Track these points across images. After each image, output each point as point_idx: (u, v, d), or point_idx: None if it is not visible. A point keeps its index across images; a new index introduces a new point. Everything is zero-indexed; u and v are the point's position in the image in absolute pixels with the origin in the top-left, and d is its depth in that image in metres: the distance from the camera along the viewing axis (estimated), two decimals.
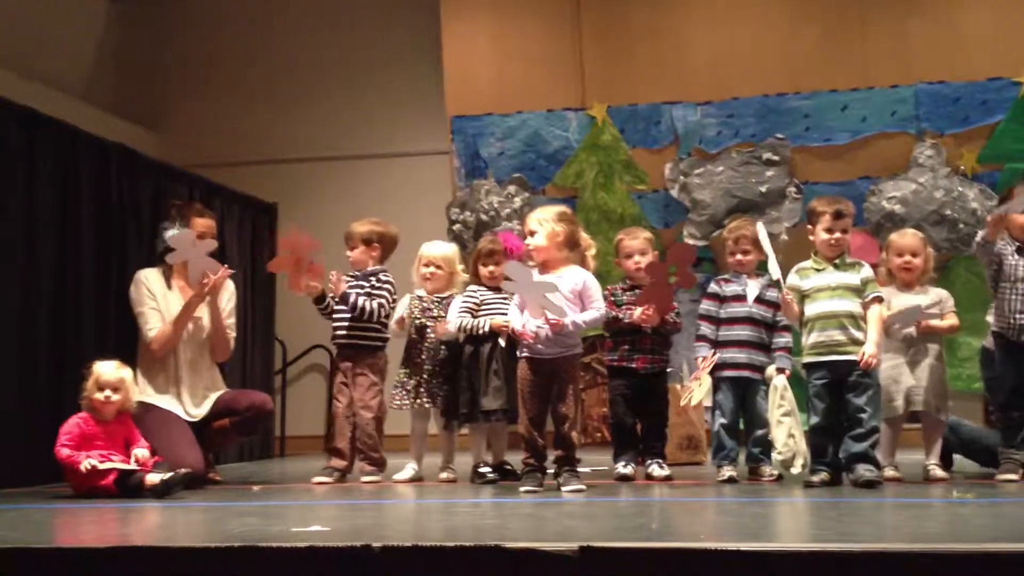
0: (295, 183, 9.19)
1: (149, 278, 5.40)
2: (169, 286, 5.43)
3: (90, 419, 4.66)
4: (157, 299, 5.33)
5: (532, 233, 4.60)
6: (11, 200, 5.40)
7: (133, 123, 9.28)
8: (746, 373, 4.96)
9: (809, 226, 4.73)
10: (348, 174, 9.35)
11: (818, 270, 4.64)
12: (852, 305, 4.54)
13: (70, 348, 5.64)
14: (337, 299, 5.29)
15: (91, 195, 6.00)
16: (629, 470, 5.03)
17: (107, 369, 4.75)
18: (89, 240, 5.94)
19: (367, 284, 5.35)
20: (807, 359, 4.59)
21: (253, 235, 8.03)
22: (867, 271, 4.65)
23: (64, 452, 4.54)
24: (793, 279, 4.67)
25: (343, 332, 5.35)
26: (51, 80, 8.27)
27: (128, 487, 4.45)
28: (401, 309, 5.35)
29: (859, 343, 4.48)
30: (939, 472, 4.79)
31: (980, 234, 4.85)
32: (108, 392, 4.69)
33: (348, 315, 5.30)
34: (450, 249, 5.53)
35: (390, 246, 5.49)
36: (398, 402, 5.30)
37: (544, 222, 4.60)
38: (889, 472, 4.79)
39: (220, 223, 7.54)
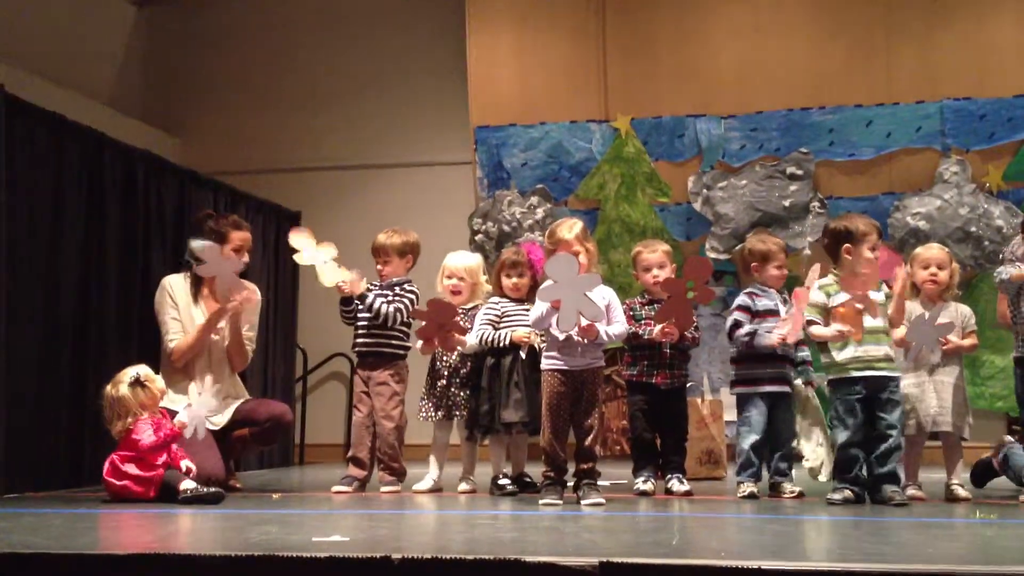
0: (318, 191, 9.22)
1: (174, 286, 5.40)
2: (195, 297, 5.42)
3: (155, 419, 4.71)
4: (180, 309, 5.34)
5: (575, 254, 4.56)
6: (38, 204, 5.44)
7: (159, 130, 9.35)
8: (780, 388, 4.95)
9: (847, 244, 4.64)
10: (371, 183, 9.38)
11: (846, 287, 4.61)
12: (883, 321, 4.57)
13: (93, 352, 5.68)
14: (356, 299, 5.29)
15: (117, 201, 6.05)
16: (649, 486, 5.01)
17: (140, 370, 4.81)
18: (114, 246, 5.98)
19: (391, 294, 5.35)
20: (843, 374, 4.55)
21: (276, 243, 8.06)
22: (884, 288, 4.71)
23: (150, 440, 4.60)
24: (818, 296, 4.63)
25: (364, 340, 5.35)
26: (78, 86, 8.35)
27: (167, 485, 4.52)
28: None
29: (891, 359, 4.56)
30: (962, 492, 4.75)
31: (1006, 273, 4.74)
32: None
33: (369, 323, 5.30)
34: (474, 260, 5.52)
35: (417, 254, 5.51)
36: (424, 413, 5.30)
37: (582, 242, 4.65)
38: (912, 491, 4.76)
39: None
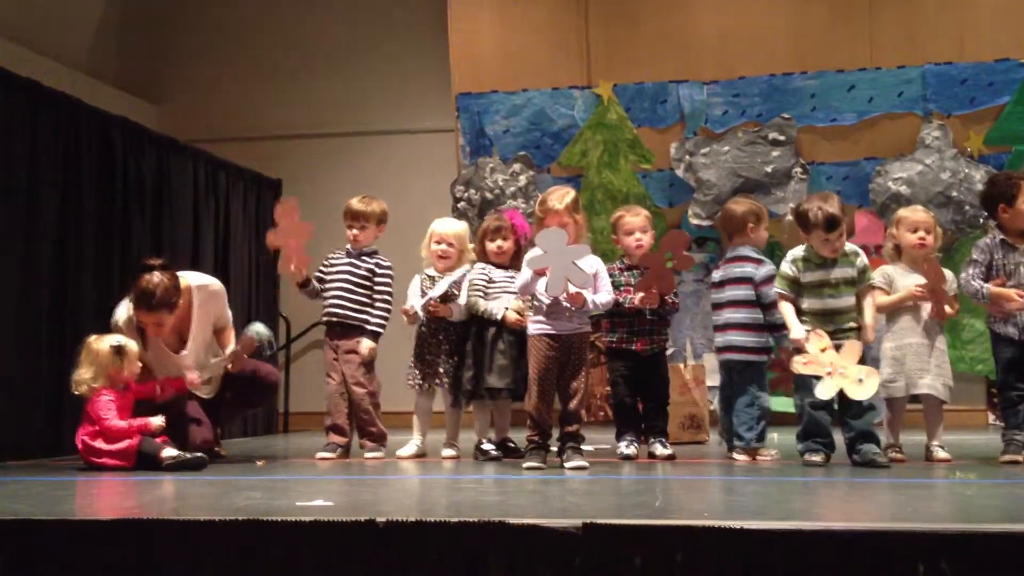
0: (299, 159, 9.16)
1: (124, 328, 4.95)
2: (144, 345, 4.96)
3: (117, 394, 4.68)
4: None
5: (564, 224, 4.55)
6: (14, 173, 5.39)
7: (137, 97, 9.25)
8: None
9: (803, 233, 4.66)
10: (353, 151, 9.32)
11: (818, 264, 4.63)
12: (850, 299, 4.61)
13: (71, 321, 5.65)
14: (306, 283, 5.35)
15: (94, 169, 6.00)
16: (632, 450, 5.02)
17: (127, 341, 4.76)
18: (91, 214, 5.94)
19: (362, 265, 5.35)
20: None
21: (257, 210, 8.03)
22: (863, 259, 4.70)
23: (118, 424, 4.57)
24: (788, 269, 4.66)
25: (332, 311, 5.34)
26: (54, 53, 8.24)
27: (146, 456, 4.49)
28: (414, 293, 5.33)
29: (855, 329, 4.57)
30: (942, 453, 4.79)
31: (982, 292, 4.71)
32: (139, 365, 4.77)
33: (338, 294, 5.30)
34: (461, 227, 5.50)
35: (386, 223, 5.53)
36: (412, 381, 5.30)
37: (572, 213, 4.63)
38: (893, 454, 4.80)
39: (225, 200, 7.58)
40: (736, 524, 2.50)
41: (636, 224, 5.15)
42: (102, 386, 4.65)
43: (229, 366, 5.17)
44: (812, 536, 2.47)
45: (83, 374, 4.68)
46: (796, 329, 4.56)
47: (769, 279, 4.87)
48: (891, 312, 4.92)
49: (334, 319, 5.34)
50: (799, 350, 4.50)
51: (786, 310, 4.62)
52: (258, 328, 5.24)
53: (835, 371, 4.38)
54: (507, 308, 5.05)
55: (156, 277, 4.81)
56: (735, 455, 4.84)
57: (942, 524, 2.54)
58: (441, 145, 8.98)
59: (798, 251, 4.69)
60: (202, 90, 9.58)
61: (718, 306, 5.07)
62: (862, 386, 4.38)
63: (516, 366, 4.97)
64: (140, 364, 4.80)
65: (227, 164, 7.65)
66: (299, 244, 5.25)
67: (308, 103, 9.43)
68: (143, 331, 4.92)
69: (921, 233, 4.92)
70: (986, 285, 4.71)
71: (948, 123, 8.04)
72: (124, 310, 4.98)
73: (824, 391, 4.41)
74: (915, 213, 5.04)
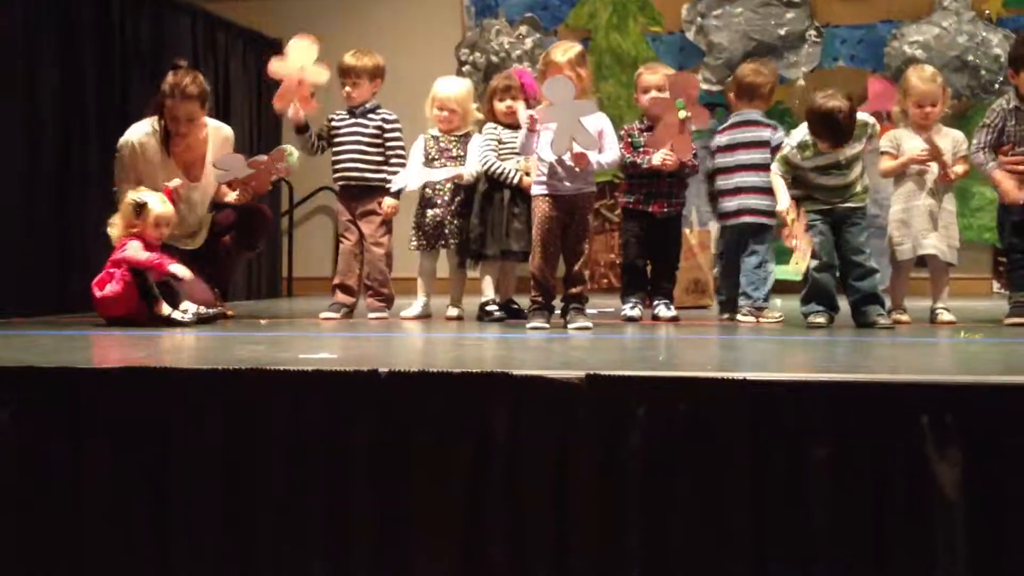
0: (300, 19, 8.87)
1: (144, 147, 5.00)
2: (168, 152, 5.05)
3: (145, 245, 4.59)
4: (145, 173, 4.97)
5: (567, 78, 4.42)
6: (9, 37, 5.27)
7: None
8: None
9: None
10: (353, 10, 9.06)
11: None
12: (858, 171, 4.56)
13: (73, 179, 5.61)
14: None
15: (92, 28, 5.87)
16: (636, 311, 5.02)
17: (162, 207, 4.65)
18: (91, 75, 5.84)
19: (369, 123, 5.24)
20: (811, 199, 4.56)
21: (257, 72, 7.88)
22: (874, 127, 4.61)
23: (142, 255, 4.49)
24: (795, 157, 4.56)
25: (349, 174, 5.26)
26: None
27: (155, 315, 4.47)
28: (415, 155, 5.24)
29: (857, 193, 4.53)
30: (947, 315, 4.78)
31: (986, 166, 4.75)
32: (164, 229, 4.67)
33: (352, 156, 5.22)
34: (463, 89, 5.37)
35: (384, 78, 5.36)
36: (415, 243, 5.27)
37: (575, 67, 4.47)
38: (897, 315, 4.80)
39: (224, 61, 7.44)
40: (739, 375, 2.50)
41: (653, 82, 4.99)
42: (126, 235, 4.58)
43: (235, 194, 5.19)
44: (816, 387, 2.46)
45: (113, 221, 4.63)
46: (784, 200, 4.50)
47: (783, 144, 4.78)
48: (898, 175, 4.88)
49: (352, 183, 5.26)
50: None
51: (778, 183, 4.56)
52: (291, 147, 5.22)
53: (800, 251, 4.35)
54: (518, 170, 4.98)
55: (190, 72, 4.96)
56: (740, 316, 4.85)
57: (948, 376, 2.54)
58: (445, 5, 8.75)
59: (804, 135, 4.51)
60: None
61: (726, 171, 4.99)
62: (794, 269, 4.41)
63: (529, 230, 4.92)
64: (164, 229, 4.68)
65: (226, 23, 7.48)
66: (306, 85, 5.04)
67: None
68: (167, 142, 4.99)
69: (927, 108, 4.82)
70: (991, 163, 4.68)
71: None
72: (141, 126, 5.02)
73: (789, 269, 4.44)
74: (923, 82, 4.87)
